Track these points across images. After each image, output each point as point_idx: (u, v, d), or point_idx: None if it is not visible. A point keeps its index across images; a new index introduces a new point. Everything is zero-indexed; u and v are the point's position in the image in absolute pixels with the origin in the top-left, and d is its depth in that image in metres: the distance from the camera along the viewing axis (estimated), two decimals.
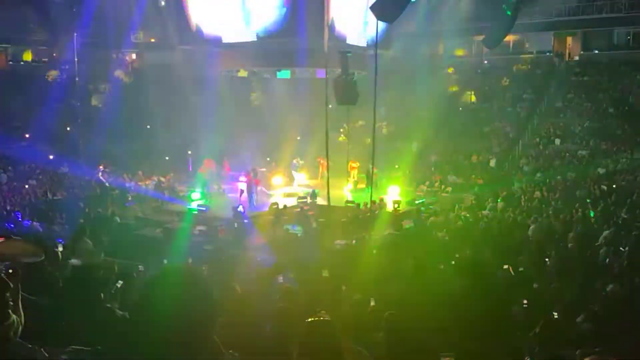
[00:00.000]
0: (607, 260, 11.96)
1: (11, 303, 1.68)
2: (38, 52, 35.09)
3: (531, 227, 15.22)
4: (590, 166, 22.99)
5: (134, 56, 36.31)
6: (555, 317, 7.13)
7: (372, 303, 6.64)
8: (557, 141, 26.48)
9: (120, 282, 4.81)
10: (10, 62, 34.04)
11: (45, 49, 34.12)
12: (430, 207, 20.43)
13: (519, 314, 7.64)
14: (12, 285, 1.68)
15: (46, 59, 34.90)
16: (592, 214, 17.46)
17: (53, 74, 30.05)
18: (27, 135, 27.63)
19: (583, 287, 9.49)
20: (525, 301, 8.04)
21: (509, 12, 16.19)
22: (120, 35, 30.08)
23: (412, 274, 8.81)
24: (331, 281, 8.91)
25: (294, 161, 25.40)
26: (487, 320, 6.76)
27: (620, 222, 15.60)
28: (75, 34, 25.64)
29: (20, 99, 27.21)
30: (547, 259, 12.14)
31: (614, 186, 20.30)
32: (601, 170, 22.40)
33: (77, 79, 27.11)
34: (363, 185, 22.62)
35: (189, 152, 26.51)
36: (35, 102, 26.29)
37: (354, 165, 23.58)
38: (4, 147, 24.38)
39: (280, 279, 8.91)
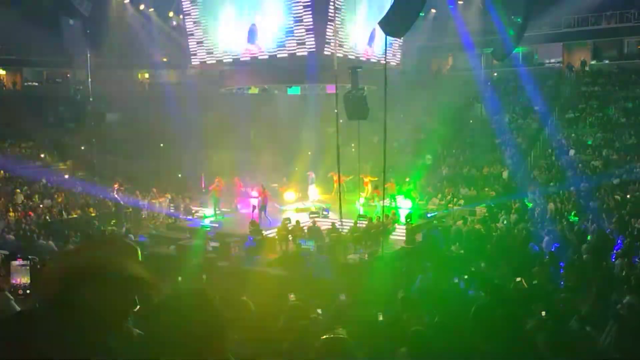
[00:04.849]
0: (623, 271, 11.86)
1: None
2: (52, 73, 35.71)
3: (545, 239, 15.14)
4: (603, 177, 22.82)
5: (146, 75, 36.82)
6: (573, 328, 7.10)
7: (380, 318, 6.66)
8: (572, 152, 26.33)
9: (137, 306, 4.89)
10: (26, 83, 34.65)
11: (59, 69, 34.72)
12: (443, 220, 20.40)
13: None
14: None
15: (60, 80, 35.51)
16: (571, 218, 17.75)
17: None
18: (42, 155, 28.04)
19: (599, 299, 9.41)
20: (543, 312, 7.99)
21: (511, 32, 16.36)
22: (133, 55, 30.52)
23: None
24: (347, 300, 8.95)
25: (309, 174, 25.25)
26: (503, 333, 6.74)
27: (635, 232, 15.47)
28: (89, 55, 26.08)
29: (35, 119, 27.66)
30: (561, 271, 12.07)
31: (628, 196, 20.13)
32: (615, 181, 22.21)
33: (90, 99, 27.52)
34: (376, 199, 22.55)
35: (202, 174, 26.63)
36: (50, 122, 26.68)
37: (366, 179, 23.59)
38: (19, 166, 24.76)
39: (292, 296, 8.95)
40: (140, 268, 1.92)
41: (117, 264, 1.84)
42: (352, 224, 19.01)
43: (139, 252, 2.09)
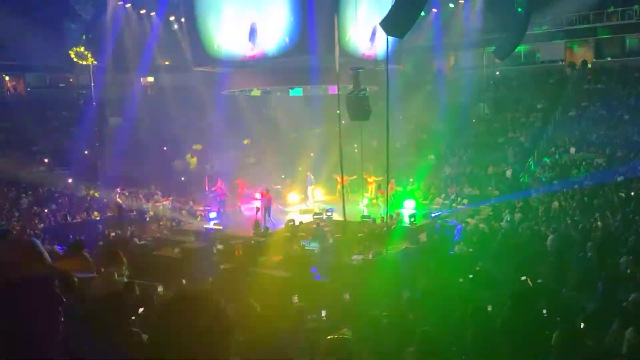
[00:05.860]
0: (628, 269, 11.80)
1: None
2: (55, 78, 35.82)
3: (549, 238, 15.08)
4: (607, 174, 22.74)
5: (150, 79, 36.86)
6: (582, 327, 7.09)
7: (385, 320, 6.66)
8: (573, 150, 26.28)
9: (142, 308, 4.93)
10: (29, 89, 34.76)
11: (62, 74, 34.84)
12: (447, 219, 20.37)
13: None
14: (65, 301, 1.75)
15: (63, 85, 35.62)
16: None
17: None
18: (46, 160, 28.11)
19: (604, 297, 9.38)
20: (545, 311, 7.97)
21: (520, 9, 16.24)
22: (136, 58, 30.58)
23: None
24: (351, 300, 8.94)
25: (308, 175, 25.30)
26: (510, 334, 6.73)
27: None
28: (91, 59, 26.17)
29: (39, 124, 27.75)
30: (566, 270, 12.03)
31: (632, 194, 20.06)
32: (619, 178, 22.13)
33: (93, 103, 27.60)
34: (380, 200, 22.51)
35: (205, 176, 26.66)
36: (53, 127, 26.73)
37: (370, 180, 23.56)
38: (24, 171, 24.81)
39: (295, 298, 8.95)
40: (39, 265, 1.83)
41: (16, 272, 1.75)
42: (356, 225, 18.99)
43: (37, 247, 1.92)
